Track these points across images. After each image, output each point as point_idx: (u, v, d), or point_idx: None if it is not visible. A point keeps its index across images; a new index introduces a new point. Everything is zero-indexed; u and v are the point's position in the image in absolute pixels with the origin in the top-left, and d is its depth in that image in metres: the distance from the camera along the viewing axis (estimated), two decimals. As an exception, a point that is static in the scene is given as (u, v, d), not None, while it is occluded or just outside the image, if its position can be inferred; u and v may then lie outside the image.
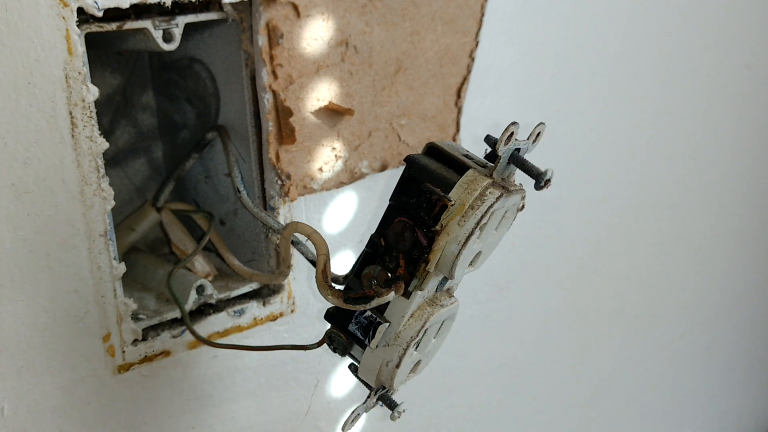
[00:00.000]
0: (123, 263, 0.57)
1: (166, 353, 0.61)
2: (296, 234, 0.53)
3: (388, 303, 0.46)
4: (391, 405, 0.51)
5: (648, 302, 1.24)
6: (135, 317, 0.59)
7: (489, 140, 0.47)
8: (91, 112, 0.52)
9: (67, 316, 0.54)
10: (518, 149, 0.46)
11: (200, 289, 0.62)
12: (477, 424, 1.01)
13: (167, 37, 0.56)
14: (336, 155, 0.67)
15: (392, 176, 0.73)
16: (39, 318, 0.53)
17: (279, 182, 0.64)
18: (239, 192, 0.61)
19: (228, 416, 0.68)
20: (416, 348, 0.47)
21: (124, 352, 0.58)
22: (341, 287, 0.49)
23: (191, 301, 0.62)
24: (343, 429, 0.52)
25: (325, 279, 0.46)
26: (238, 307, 0.65)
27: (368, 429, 0.83)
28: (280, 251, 0.56)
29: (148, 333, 0.60)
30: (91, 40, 0.52)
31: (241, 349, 0.62)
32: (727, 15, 1.12)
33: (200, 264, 0.67)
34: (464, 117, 0.77)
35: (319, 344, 0.51)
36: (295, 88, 0.62)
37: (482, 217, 0.44)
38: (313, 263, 0.57)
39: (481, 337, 0.94)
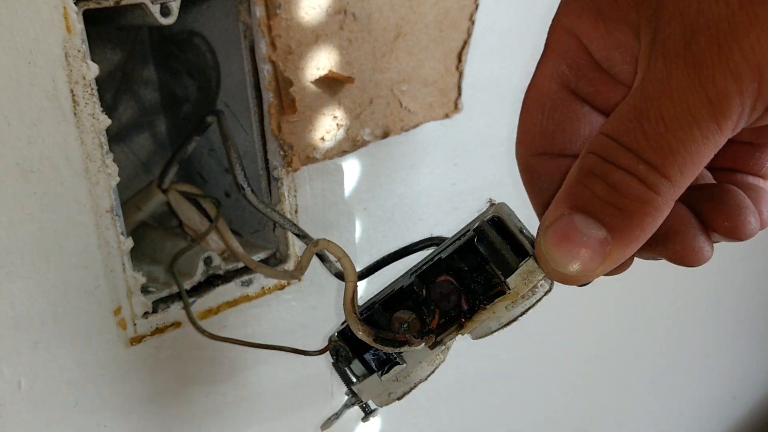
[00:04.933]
0: (130, 238, 0.57)
1: (176, 325, 0.62)
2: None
3: None
4: (367, 410, 0.52)
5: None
6: (145, 290, 0.60)
7: None
8: (92, 89, 0.53)
9: (77, 292, 0.55)
10: None
11: (207, 261, 0.63)
12: (486, 384, 1.03)
13: (165, 12, 0.57)
14: (338, 124, 0.67)
15: (395, 143, 0.73)
16: (50, 294, 0.54)
17: (282, 152, 0.64)
18: (243, 189, 0.60)
19: (240, 384, 0.69)
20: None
21: (135, 324, 0.59)
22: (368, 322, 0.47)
23: (199, 272, 0.63)
24: (321, 428, 0.53)
25: (354, 309, 0.45)
26: (246, 277, 0.66)
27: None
28: (300, 259, 0.54)
29: (158, 305, 0.61)
30: (89, 17, 0.53)
31: (237, 344, 0.61)
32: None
33: (214, 242, 0.67)
34: (466, 81, 0.77)
35: (321, 352, 0.51)
36: (294, 58, 0.63)
37: (529, 308, 0.46)
38: (337, 276, 0.56)
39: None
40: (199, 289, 0.64)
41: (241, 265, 0.66)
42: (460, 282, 0.45)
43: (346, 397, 0.52)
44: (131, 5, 0.55)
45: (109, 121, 0.54)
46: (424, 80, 0.74)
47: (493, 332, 0.46)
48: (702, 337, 1.50)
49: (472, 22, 0.76)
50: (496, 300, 0.44)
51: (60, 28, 0.50)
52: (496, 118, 0.82)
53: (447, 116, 0.77)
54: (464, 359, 0.95)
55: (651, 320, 1.32)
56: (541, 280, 0.44)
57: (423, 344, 0.44)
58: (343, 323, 0.49)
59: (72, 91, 0.52)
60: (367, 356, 0.48)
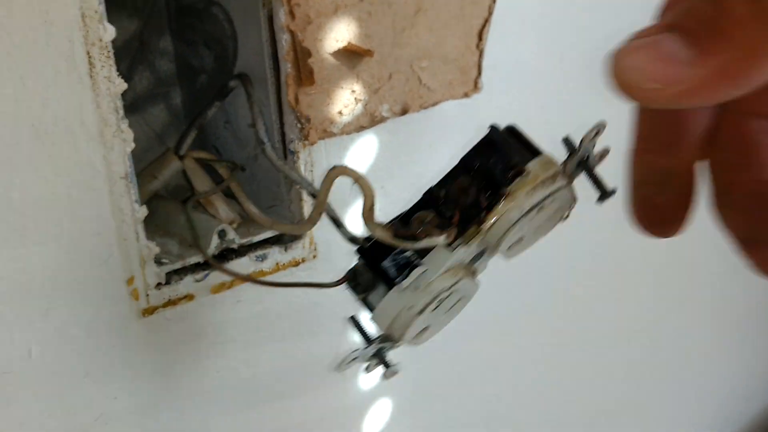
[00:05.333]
0: (145, 207, 0.56)
1: (189, 297, 0.61)
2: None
3: (428, 251, 0.46)
4: (387, 363, 0.51)
5: (677, 248, 1.23)
6: (158, 261, 0.59)
7: (567, 141, 0.48)
8: (108, 52, 0.52)
9: (90, 259, 0.54)
10: (587, 157, 0.47)
11: (222, 234, 0.62)
12: (499, 371, 1.02)
13: (183, -24, 0.56)
14: (356, 98, 0.66)
15: (414, 120, 0.72)
16: (63, 261, 0.53)
17: (299, 125, 0.63)
18: (263, 144, 0.60)
19: (252, 360, 0.68)
20: (437, 307, 0.47)
21: (148, 295, 0.58)
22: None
23: (213, 245, 0.62)
24: (337, 368, 0.52)
25: (371, 215, 0.45)
26: (260, 252, 0.65)
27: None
28: (317, 195, 0.54)
29: (171, 277, 0.60)
30: (106, -20, 0.52)
31: (255, 282, 0.62)
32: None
33: (224, 211, 0.66)
34: (486, 60, 0.75)
35: (338, 283, 0.51)
36: (313, 28, 0.61)
37: (548, 196, 0.44)
38: (351, 240, 0.56)
39: (506, 281, 0.93)
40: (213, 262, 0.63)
41: (255, 239, 0.65)
42: (478, 179, 0.44)
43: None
44: (149, -31, 0.54)
45: (125, 85, 0.53)
46: (444, 57, 0.72)
47: (515, 224, 0.44)
48: (716, 336, 1.49)
49: (494, 0, 0.74)
50: (515, 181, 0.43)
51: (77, -13, 0.49)
52: (517, 98, 0.81)
53: (466, 95, 0.76)
54: (477, 345, 0.94)
55: (665, 318, 1.30)
56: (558, 174, 0.44)
57: (444, 237, 0.43)
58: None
59: (88, 53, 0.51)
60: (386, 264, 0.46)
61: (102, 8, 0.51)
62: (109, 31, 0.52)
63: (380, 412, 0.84)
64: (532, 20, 0.81)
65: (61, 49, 0.50)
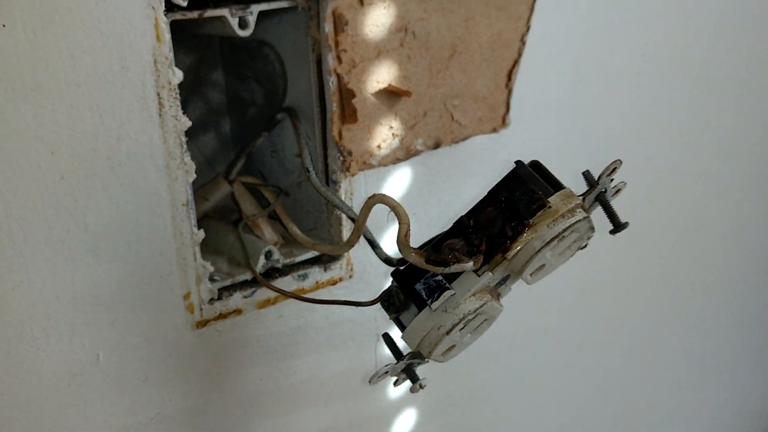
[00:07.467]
0: (202, 230, 0.63)
1: (238, 311, 0.67)
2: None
3: (457, 275, 0.51)
4: (414, 378, 0.56)
5: (689, 273, 1.27)
6: (211, 278, 0.65)
7: (587, 176, 0.53)
8: (176, 93, 0.58)
9: (153, 276, 0.61)
10: (604, 190, 0.52)
11: (268, 255, 0.68)
12: (516, 390, 1.06)
13: (242, 24, 0.62)
14: (393, 133, 0.72)
15: (445, 154, 0.78)
16: (129, 277, 0.60)
17: (341, 158, 0.69)
18: (309, 172, 0.65)
19: (291, 371, 0.74)
20: (463, 327, 0.51)
21: (202, 309, 0.65)
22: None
23: (260, 265, 0.68)
24: (369, 382, 0.57)
25: (406, 242, 0.50)
26: (302, 272, 0.71)
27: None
28: (356, 219, 0.59)
29: (222, 293, 0.66)
30: (172, 25, 0.58)
31: (298, 299, 0.67)
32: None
33: (269, 233, 0.72)
34: (514, 98, 0.81)
35: (373, 302, 0.56)
36: (357, 71, 0.67)
37: (568, 227, 0.49)
38: (386, 262, 0.61)
39: (523, 303, 0.98)
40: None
41: (297, 260, 0.71)
42: (504, 211, 0.49)
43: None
44: (212, 17, 0.61)
45: (189, 123, 0.59)
46: (475, 96, 0.78)
47: (537, 253, 0.48)
48: (755, 347, 1.50)
49: (523, 43, 0.80)
50: (538, 214, 0.48)
51: (151, 37, 0.56)
52: (541, 133, 0.86)
53: (495, 130, 0.81)
54: (494, 362, 0.99)
55: (690, 332, 1.33)
56: (578, 207, 0.49)
57: (471, 263, 0.48)
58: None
59: (158, 94, 0.57)
60: (418, 286, 0.51)
61: (171, 55, 0.57)
62: (177, 75, 0.58)
63: (405, 421, 0.90)
64: (558, 61, 0.86)
65: (135, 91, 0.56)
